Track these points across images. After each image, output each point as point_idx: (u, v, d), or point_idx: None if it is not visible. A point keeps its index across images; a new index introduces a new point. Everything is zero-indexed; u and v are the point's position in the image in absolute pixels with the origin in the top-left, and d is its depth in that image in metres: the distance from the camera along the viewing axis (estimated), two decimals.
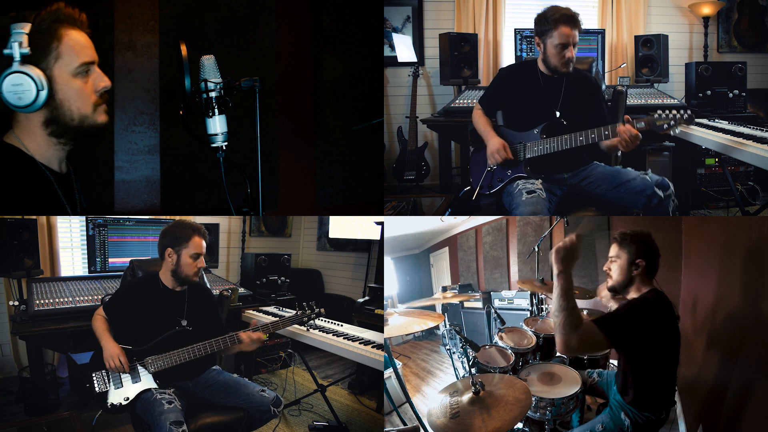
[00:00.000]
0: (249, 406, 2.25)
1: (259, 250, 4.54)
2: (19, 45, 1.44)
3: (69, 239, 3.83)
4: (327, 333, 2.67)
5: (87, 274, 3.48)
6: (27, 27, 1.46)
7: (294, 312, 2.46)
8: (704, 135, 2.84)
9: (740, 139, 2.61)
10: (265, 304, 3.53)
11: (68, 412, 2.67)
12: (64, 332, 2.57)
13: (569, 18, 2.45)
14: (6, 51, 1.44)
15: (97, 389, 2.13)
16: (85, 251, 3.57)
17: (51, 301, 2.75)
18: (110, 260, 3.51)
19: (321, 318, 2.52)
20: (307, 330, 2.62)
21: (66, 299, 2.81)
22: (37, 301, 2.71)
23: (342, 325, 2.84)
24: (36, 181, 1.58)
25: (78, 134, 1.60)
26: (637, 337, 1.71)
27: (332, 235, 4.94)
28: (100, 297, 2.89)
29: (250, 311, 3.32)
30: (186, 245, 2.29)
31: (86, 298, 2.88)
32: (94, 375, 2.16)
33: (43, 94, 1.48)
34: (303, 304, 2.46)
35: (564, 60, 2.50)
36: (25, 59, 1.46)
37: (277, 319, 2.39)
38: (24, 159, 1.57)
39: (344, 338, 2.60)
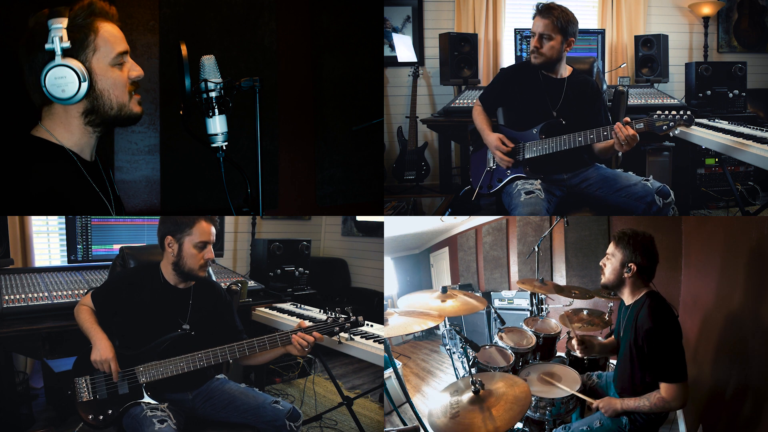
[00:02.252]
0: (259, 422, 1.98)
1: (273, 236, 4.08)
2: (59, 39, 1.48)
3: (44, 223, 3.26)
4: (355, 335, 2.29)
5: (66, 264, 3.01)
6: (64, 22, 1.50)
7: (324, 316, 2.06)
8: (705, 135, 2.84)
9: (741, 140, 2.60)
10: (280, 300, 3.10)
11: (44, 429, 2.36)
12: (38, 334, 2.22)
13: (541, 9, 2.49)
14: (48, 46, 1.49)
15: (79, 398, 1.90)
16: (64, 237, 3.05)
17: (23, 296, 2.40)
18: (94, 248, 3.03)
19: (359, 326, 2.06)
20: (339, 342, 2.20)
21: (41, 294, 2.45)
22: (6, 297, 2.35)
23: (372, 326, 2.46)
24: (65, 169, 1.60)
25: (115, 123, 1.67)
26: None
27: (361, 218, 4.34)
28: (81, 292, 2.50)
29: (262, 309, 2.95)
30: (189, 232, 2.02)
31: (65, 293, 2.51)
32: (76, 381, 1.93)
33: (85, 85, 1.53)
34: (336, 309, 2.07)
35: (531, 48, 2.53)
36: (65, 53, 1.50)
37: (311, 324, 2.02)
38: (53, 149, 1.60)
39: (375, 341, 2.24)
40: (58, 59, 1.49)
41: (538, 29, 2.49)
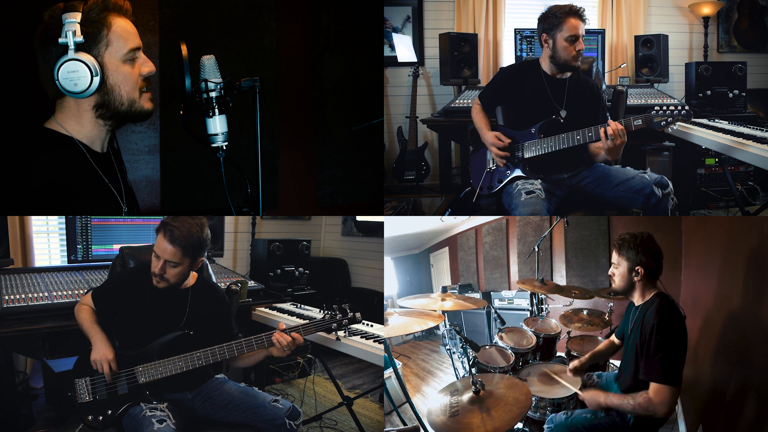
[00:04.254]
0: (259, 421, 1.98)
1: (273, 236, 4.11)
2: (72, 34, 1.50)
3: (44, 223, 3.27)
4: (354, 335, 2.30)
5: (66, 264, 3.00)
6: (78, 16, 1.52)
7: (322, 315, 2.05)
8: (704, 135, 2.84)
9: (740, 139, 2.61)
10: (280, 300, 3.11)
11: (44, 429, 2.37)
12: (38, 334, 2.21)
13: (577, 11, 2.47)
14: (61, 40, 1.51)
15: (79, 399, 1.91)
16: (64, 237, 3.04)
17: (23, 296, 2.39)
18: (94, 248, 3.02)
19: (356, 323, 2.08)
20: (336, 339, 2.23)
21: (41, 294, 2.44)
22: (6, 297, 2.35)
23: (372, 326, 2.47)
24: (73, 159, 1.61)
25: (126, 118, 1.68)
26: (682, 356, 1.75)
27: (361, 218, 4.36)
28: (81, 292, 2.50)
29: (262, 309, 2.96)
30: (156, 238, 2.00)
31: (65, 293, 2.50)
32: (76, 382, 1.93)
33: (97, 79, 1.55)
34: (333, 306, 2.07)
35: (575, 53, 2.48)
36: (78, 47, 1.52)
37: (307, 321, 2.03)
38: (62, 139, 1.61)
39: (375, 341, 2.24)
40: (71, 53, 1.50)
41: (581, 31, 2.46)
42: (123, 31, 1.60)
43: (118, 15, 1.60)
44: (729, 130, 2.87)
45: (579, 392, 1.94)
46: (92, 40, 1.55)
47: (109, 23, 1.57)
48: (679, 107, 2.29)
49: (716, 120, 3.26)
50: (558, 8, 2.49)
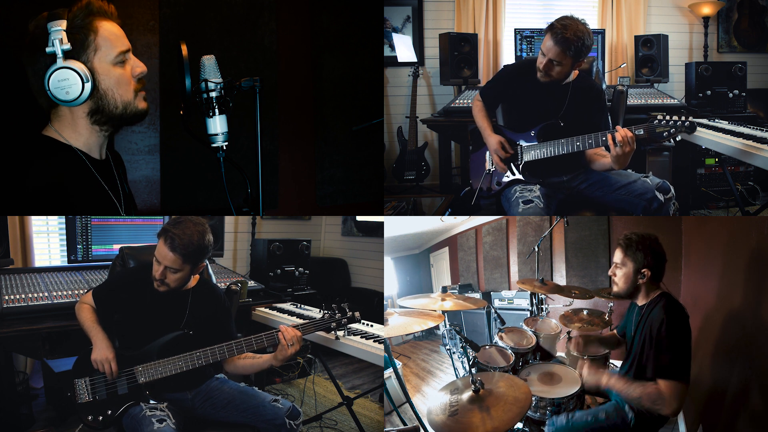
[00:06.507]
0: (259, 421, 1.98)
1: (273, 236, 4.12)
2: (59, 42, 1.48)
3: (44, 223, 3.28)
4: (354, 335, 2.30)
5: (66, 264, 3.02)
6: (63, 24, 1.50)
7: (321, 314, 2.06)
8: (712, 138, 2.77)
9: (752, 142, 2.53)
10: (280, 300, 3.11)
11: (44, 429, 2.38)
12: (38, 334, 2.21)
13: (555, 31, 2.31)
14: (49, 49, 1.49)
15: (78, 399, 1.91)
16: (64, 237, 3.07)
17: (23, 296, 2.40)
18: (94, 248, 3.04)
19: (355, 322, 2.09)
20: (336, 338, 2.25)
21: (41, 294, 2.45)
22: (6, 297, 2.35)
23: (372, 326, 2.47)
24: (73, 167, 1.60)
25: (121, 121, 1.66)
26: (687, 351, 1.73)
27: (361, 218, 4.38)
28: (81, 292, 2.51)
29: (262, 309, 2.95)
30: (158, 243, 2.01)
31: (65, 293, 2.51)
32: (76, 382, 1.93)
33: (89, 86, 1.53)
34: (332, 305, 2.07)
35: (539, 67, 2.41)
36: (66, 55, 1.50)
37: (306, 321, 2.03)
38: (61, 148, 1.60)
39: (375, 341, 2.25)
40: (60, 62, 1.48)
41: (549, 54, 2.34)
42: (110, 34, 1.57)
43: (104, 19, 1.57)
44: (729, 130, 2.86)
45: (576, 371, 1.92)
46: (80, 47, 1.52)
47: (95, 28, 1.54)
48: (683, 118, 2.18)
49: (716, 120, 3.26)
50: (555, 20, 2.37)
